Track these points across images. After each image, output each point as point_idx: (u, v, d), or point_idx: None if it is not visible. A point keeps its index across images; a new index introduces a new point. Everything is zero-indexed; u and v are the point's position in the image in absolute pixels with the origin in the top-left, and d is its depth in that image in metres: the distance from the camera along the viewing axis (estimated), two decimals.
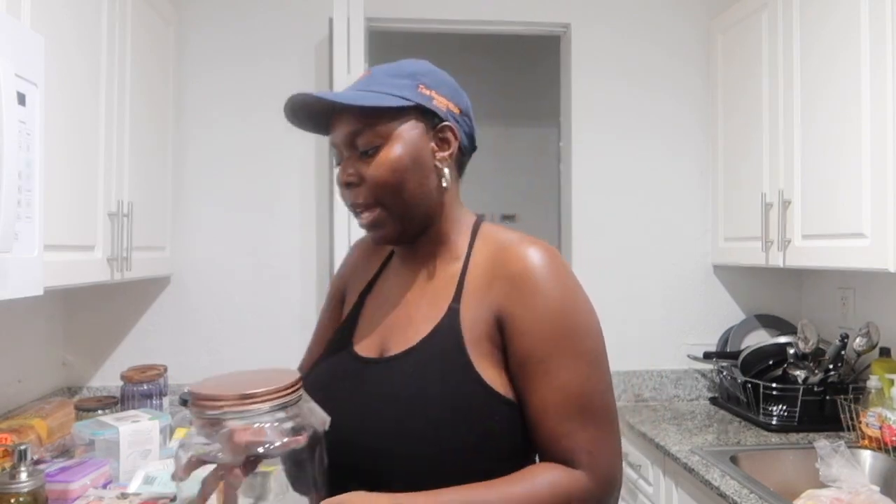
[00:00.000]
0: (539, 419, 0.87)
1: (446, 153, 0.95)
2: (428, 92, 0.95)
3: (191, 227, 2.52)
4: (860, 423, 1.95)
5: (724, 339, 2.63)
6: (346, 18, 2.23)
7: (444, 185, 0.95)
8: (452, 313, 0.91)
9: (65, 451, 1.86)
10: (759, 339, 2.54)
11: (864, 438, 1.94)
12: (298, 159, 2.56)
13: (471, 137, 1.00)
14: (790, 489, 1.74)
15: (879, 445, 1.87)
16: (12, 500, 1.34)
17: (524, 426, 0.88)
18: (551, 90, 3.01)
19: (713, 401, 2.60)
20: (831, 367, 2.15)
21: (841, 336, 2.14)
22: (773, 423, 2.18)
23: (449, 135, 0.95)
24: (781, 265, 2.14)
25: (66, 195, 1.60)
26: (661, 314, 2.66)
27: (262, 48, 2.56)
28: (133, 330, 2.50)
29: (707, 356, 2.51)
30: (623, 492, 2.48)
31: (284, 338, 2.53)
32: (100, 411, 1.98)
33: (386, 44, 2.69)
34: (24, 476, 1.36)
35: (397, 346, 0.92)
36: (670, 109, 2.69)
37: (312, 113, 0.95)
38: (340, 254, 2.20)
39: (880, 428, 1.86)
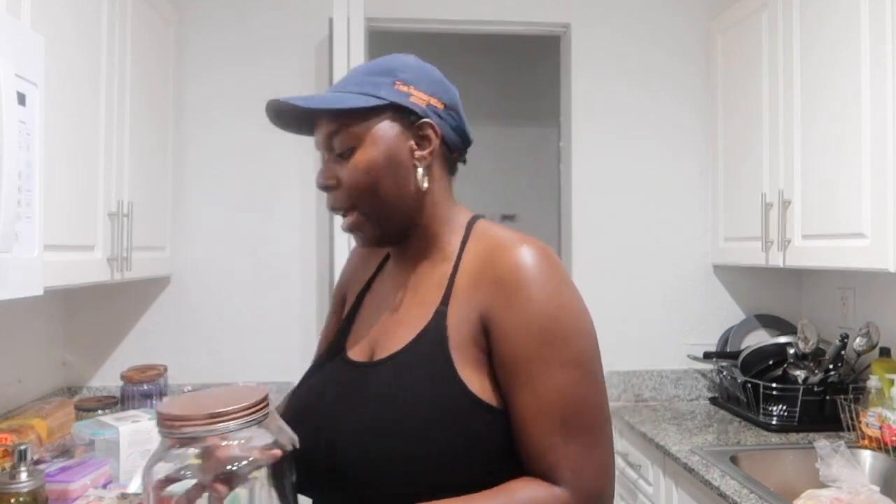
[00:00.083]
0: (521, 429, 0.83)
1: (425, 151, 0.92)
2: (406, 88, 0.91)
3: (191, 227, 2.52)
4: (860, 423, 1.95)
5: (724, 339, 2.63)
6: (346, 18, 2.23)
7: (424, 185, 0.91)
8: (439, 316, 0.88)
9: (65, 451, 1.86)
10: (759, 339, 2.54)
11: (864, 438, 1.94)
12: (298, 159, 2.56)
13: (459, 131, 0.96)
14: (790, 489, 1.74)
15: (879, 445, 1.87)
16: (12, 500, 1.34)
17: (510, 434, 0.85)
18: (551, 90, 3.01)
19: (713, 401, 2.60)
20: (831, 367, 2.15)
21: (841, 336, 2.14)
22: (773, 423, 2.18)
23: (429, 132, 0.91)
24: (781, 265, 2.14)
25: (66, 195, 1.60)
26: (661, 314, 2.66)
27: (262, 48, 2.56)
28: (133, 330, 2.50)
29: (707, 356, 2.51)
30: (623, 492, 2.48)
31: (284, 338, 2.53)
32: (100, 411, 1.98)
33: (386, 44, 2.69)
34: (24, 476, 1.36)
35: (385, 350, 0.90)
36: (670, 109, 2.69)
37: (295, 116, 0.93)
38: (340, 254, 2.20)
39: (880, 428, 1.86)
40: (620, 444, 2.52)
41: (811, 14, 2.03)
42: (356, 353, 0.94)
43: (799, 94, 2.08)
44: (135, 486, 1.59)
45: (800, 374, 2.18)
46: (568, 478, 0.82)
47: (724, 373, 2.46)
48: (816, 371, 2.17)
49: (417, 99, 0.92)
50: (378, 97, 0.90)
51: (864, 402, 1.99)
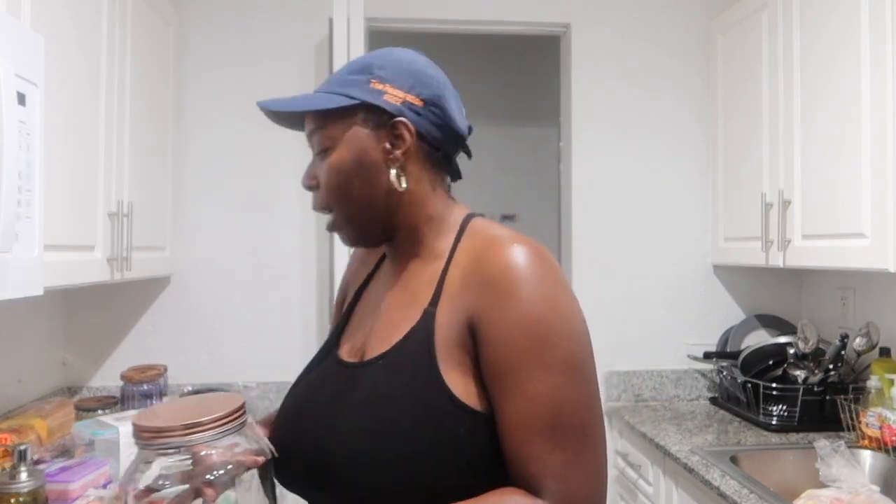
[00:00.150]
0: (506, 436, 0.80)
1: (399, 151, 0.88)
2: (381, 86, 0.89)
3: (191, 227, 2.52)
4: (860, 423, 1.95)
5: (724, 339, 2.63)
6: (346, 18, 2.23)
7: (402, 185, 0.88)
8: (427, 317, 0.85)
9: (65, 451, 1.86)
10: (759, 339, 2.54)
11: (864, 438, 1.94)
12: (298, 159, 2.56)
13: (444, 128, 0.90)
14: (790, 489, 1.74)
15: (879, 445, 1.87)
16: (12, 500, 1.34)
17: (496, 440, 0.81)
18: (551, 90, 3.01)
19: (713, 401, 2.60)
20: (831, 367, 2.15)
21: (841, 336, 2.14)
22: (773, 423, 2.18)
23: (402, 131, 0.88)
24: (781, 265, 2.14)
25: (66, 195, 1.60)
26: (661, 314, 2.66)
27: (262, 48, 2.56)
28: (133, 330, 2.50)
29: (707, 356, 2.51)
30: (623, 492, 2.48)
31: (284, 338, 2.53)
32: (100, 411, 1.98)
33: (386, 44, 2.67)
34: (24, 476, 1.36)
35: (375, 350, 0.88)
36: (670, 109, 2.69)
37: (290, 114, 0.93)
38: (340, 254, 2.20)
39: (880, 428, 1.86)
40: (620, 443, 2.52)
41: (811, 14, 2.03)
42: (348, 352, 0.94)
43: (799, 94, 2.08)
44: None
45: (800, 374, 2.18)
46: (553, 488, 0.78)
47: (724, 373, 2.46)
48: (816, 371, 2.17)
49: (392, 97, 0.88)
50: (350, 97, 0.88)
51: (864, 402, 1.99)
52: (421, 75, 0.90)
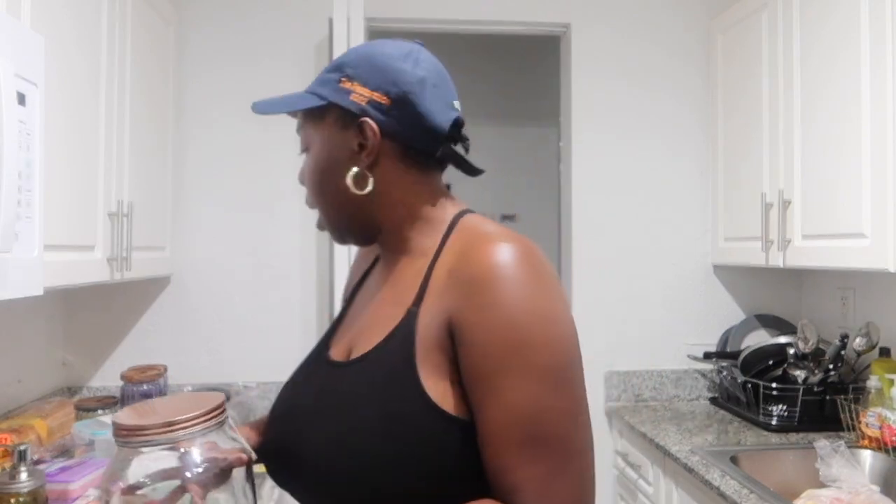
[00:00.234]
0: (484, 445, 0.76)
1: (363, 153, 0.86)
2: (349, 85, 0.87)
3: (191, 227, 2.52)
4: (860, 423, 1.95)
5: (724, 339, 2.63)
6: (345, 18, 2.23)
7: (368, 188, 0.87)
8: (410, 317, 0.82)
9: (65, 451, 1.86)
10: (759, 339, 2.54)
11: (864, 438, 1.94)
12: (298, 159, 2.54)
13: (416, 126, 0.86)
14: (790, 489, 1.74)
15: (879, 445, 1.87)
16: (12, 500, 1.34)
17: (475, 447, 0.78)
18: (551, 90, 3.01)
19: (713, 401, 2.60)
20: (831, 367, 2.15)
21: (841, 336, 2.14)
22: (773, 423, 2.18)
23: (367, 131, 0.86)
24: (781, 265, 2.14)
25: (66, 195, 1.60)
26: (661, 314, 2.66)
27: (262, 48, 2.56)
28: (133, 330, 2.50)
29: (707, 356, 2.51)
30: (623, 492, 2.48)
31: (284, 338, 2.53)
32: (100, 411, 1.98)
33: None
34: (24, 476, 1.36)
35: (359, 350, 0.87)
36: (670, 109, 2.69)
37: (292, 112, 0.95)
38: (340, 254, 2.20)
39: (880, 428, 1.86)
40: (620, 443, 2.52)
41: (811, 14, 2.03)
42: (337, 352, 0.93)
43: (799, 94, 2.08)
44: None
45: (800, 374, 2.18)
46: (530, 502, 0.74)
47: (724, 373, 2.46)
48: (816, 371, 2.17)
49: (357, 96, 0.86)
50: (321, 97, 0.88)
51: (864, 402, 1.99)
52: (390, 72, 0.86)
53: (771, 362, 2.36)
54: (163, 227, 2.33)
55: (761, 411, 2.22)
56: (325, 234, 2.56)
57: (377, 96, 0.86)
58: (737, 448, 1.99)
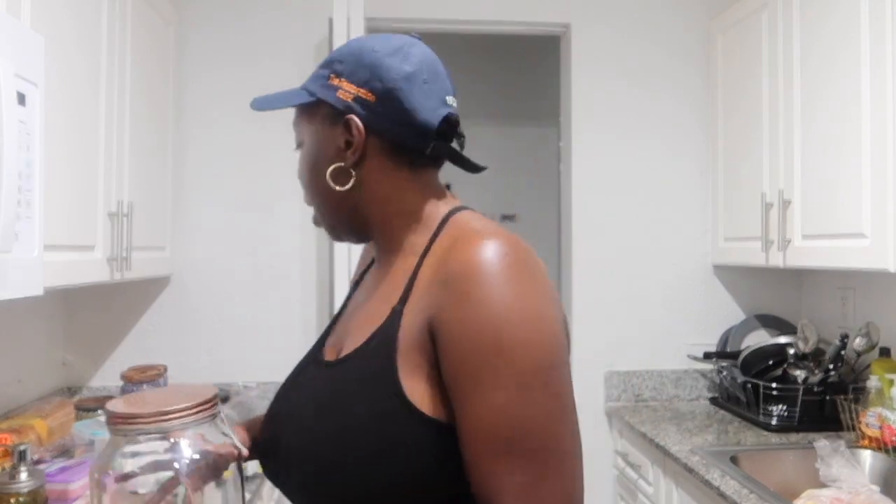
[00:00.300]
0: (464, 451, 0.73)
1: (349, 150, 0.86)
2: (337, 81, 0.86)
3: (191, 227, 2.52)
4: (860, 423, 1.95)
5: (724, 339, 2.63)
6: (346, 18, 2.23)
7: (345, 185, 0.86)
8: (394, 316, 0.80)
9: (65, 451, 1.86)
10: (759, 339, 2.54)
11: (864, 438, 1.94)
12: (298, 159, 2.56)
13: (401, 122, 0.84)
14: (790, 489, 1.74)
15: (879, 445, 1.87)
16: (12, 500, 1.34)
17: (456, 451, 0.75)
18: (551, 90, 3.01)
19: (713, 401, 2.60)
20: (831, 367, 2.15)
21: (841, 336, 2.14)
22: (773, 423, 2.18)
23: (352, 128, 0.85)
24: (781, 265, 2.14)
25: (66, 195, 1.60)
26: (661, 314, 2.66)
27: (262, 48, 2.56)
28: (133, 330, 2.50)
29: (707, 356, 2.51)
30: (623, 492, 2.48)
31: (284, 338, 2.53)
32: (100, 411, 1.98)
33: None
34: (24, 476, 1.36)
35: (347, 349, 0.85)
36: (670, 109, 2.69)
37: None
38: (340, 254, 2.20)
39: (880, 428, 1.86)
40: (620, 443, 2.52)
41: (811, 14, 2.03)
42: (329, 351, 0.92)
43: (799, 94, 2.08)
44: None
45: (800, 374, 2.18)
46: None
47: (724, 373, 2.46)
48: (816, 371, 2.17)
49: (344, 92, 0.85)
50: (311, 93, 0.88)
51: (864, 402, 1.99)
52: (377, 67, 0.84)
53: (771, 362, 2.36)
54: (163, 227, 2.33)
55: (761, 411, 2.22)
56: (325, 234, 2.56)
57: (363, 93, 0.85)
58: (737, 448, 1.99)
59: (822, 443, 1.70)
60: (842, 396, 2.06)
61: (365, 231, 0.92)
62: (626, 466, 2.42)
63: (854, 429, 1.99)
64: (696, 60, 2.69)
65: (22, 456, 1.38)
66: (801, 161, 2.07)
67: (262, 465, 0.92)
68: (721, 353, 2.54)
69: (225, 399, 2.30)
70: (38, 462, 1.67)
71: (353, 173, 0.86)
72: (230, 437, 0.85)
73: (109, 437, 0.82)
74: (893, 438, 1.83)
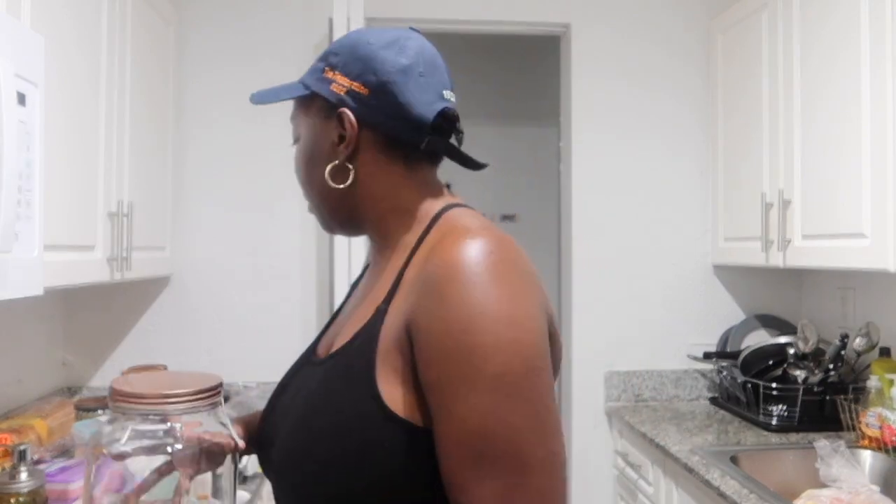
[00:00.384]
0: (439, 458, 0.71)
1: (342, 144, 0.84)
2: (331, 74, 0.85)
3: (191, 227, 2.52)
4: (860, 423, 1.95)
5: (724, 339, 2.63)
6: (346, 18, 2.23)
7: (342, 181, 0.84)
8: (378, 315, 0.78)
9: (65, 451, 1.86)
10: (759, 339, 2.54)
11: (864, 438, 1.94)
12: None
13: (395, 116, 0.82)
14: (790, 489, 1.74)
15: (879, 445, 1.87)
16: (12, 500, 1.34)
17: (431, 456, 0.72)
18: (551, 90, 3.01)
19: (713, 401, 2.60)
20: (831, 367, 2.15)
21: (841, 336, 2.14)
22: (773, 423, 2.18)
23: (345, 122, 0.83)
24: (781, 265, 2.14)
25: (66, 195, 1.60)
26: (661, 314, 2.66)
27: (262, 48, 2.56)
28: (133, 330, 2.50)
29: (707, 356, 2.51)
30: (623, 492, 2.48)
31: (284, 338, 2.53)
32: (100, 411, 1.98)
33: None
34: (24, 476, 1.36)
35: (335, 348, 0.84)
36: (670, 109, 2.69)
37: None
38: (340, 254, 2.21)
39: (880, 428, 1.86)
40: (620, 443, 2.52)
41: (811, 14, 2.03)
42: (321, 349, 0.92)
43: (799, 94, 2.08)
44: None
45: (800, 374, 2.18)
46: None
47: (724, 373, 2.46)
48: (816, 371, 2.17)
49: (338, 86, 0.84)
50: (306, 86, 0.87)
51: (864, 402, 1.99)
52: (371, 60, 0.83)
53: (771, 362, 2.36)
54: (163, 227, 2.33)
55: (761, 411, 2.22)
56: (325, 234, 2.57)
57: (356, 86, 0.83)
58: (737, 448, 1.99)
59: (822, 443, 1.70)
60: (842, 396, 2.06)
61: (358, 226, 0.91)
62: (626, 466, 2.42)
63: (854, 429, 1.99)
64: (696, 60, 2.69)
65: (22, 456, 1.38)
66: (801, 161, 2.07)
67: (259, 461, 0.93)
68: (721, 353, 2.54)
69: (225, 399, 2.30)
70: (38, 462, 1.67)
71: (350, 168, 0.85)
72: (228, 428, 0.85)
73: (110, 414, 0.82)
74: (893, 438, 1.83)
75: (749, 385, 2.29)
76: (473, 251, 0.72)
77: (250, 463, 1.86)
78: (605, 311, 2.64)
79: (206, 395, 0.82)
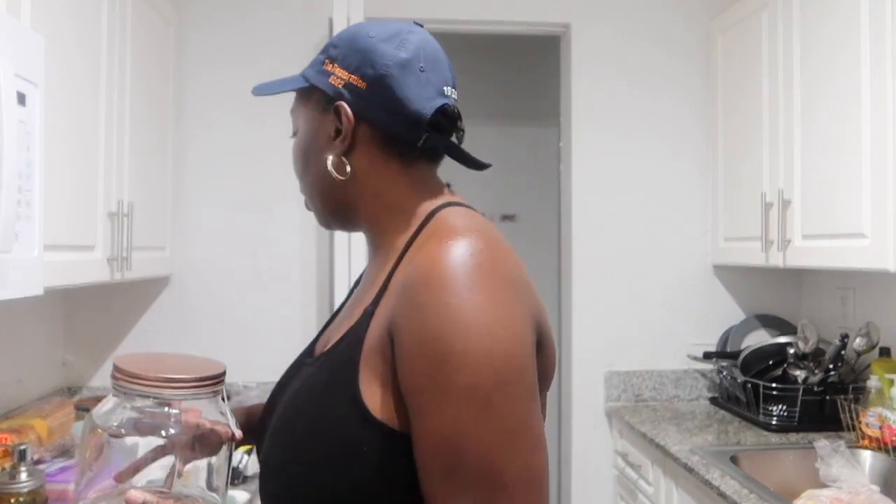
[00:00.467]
0: (417, 467, 0.69)
1: (338, 139, 0.83)
2: (330, 67, 0.83)
3: (191, 227, 2.52)
4: (860, 423, 1.95)
5: (724, 339, 2.63)
6: (346, 18, 2.23)
7: (343, 173, 0.82)
8: (365, 317, 0.77)
9: (65, 451, 1.86)
10: (759, 339, 2.54)
11: (864, 438, 1.94)
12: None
13: (392, 111, 0.80)
14: (790, 489, 1.74)
15: (879, 445, 1.87)
16: (12, 500, 1.34)
17: (410, 461, 0.70)
18: (551, 90, 3.01)
19: (713, 401, 2.60)
20: (831, 367, 2.15)
21: (841, 336, 2.14)
22: (773, 423, 2.18)
23: (342, 115, 0.82)
24: (781, 265, 2.14)
25: (66, 195, 1.60)
26: (661, 314, 2.66)
27: (262, 48, 2.56)
28: (133, 330, 2.49)
29: (707, 356, 2.51)
30: (623, 492, 2.48)
31: (284, 338, 2.53)
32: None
33: None
34: (24, 476, 1.36)
35: (327, 348, 0.84)
36: (670, 109, 2.69)
37: None
38: (340, 254, 2.20)
39: (880, 428, 1.86)
40: (620, 443, 2.52)
41: (811, 14, 2.03)
42: (318, 348, 0.91)
43: (799, 94, 2.08)
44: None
45: (800, 374, 2.18)
46: None
47: (724, 373, 2.46)
48: (816, 371, 2.17)
49: (336, 78, 0.82)
50: (306, 78, 0.86)
51: (864, 402, 1.99)
52: (370, 53, 0.81)
53: (771, 362, 2.36)
54: (163, 227, 2.33)
55: (761, 411, 2.22)
56: (325, 235, 2.57)
57: (354, 79, 0.81)
58: (737, 448, 1.99)
59: (822, 443, 1.70)
60: (842, 396, 2.06)
61: (352, 222, 0.90)
62: (626, 466, 2.42)
63: (854, 429, 1.99)
64: (696, 60, 2.69)
65: (22, 456, 1.38)
66: (801, 161, 2.07)
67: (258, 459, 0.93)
68: (721, 353, 2.54)
69: (228, 397, 2.30)
70: (38, 462, 1.67)
71: (346, 163, 0.83)
72: (226, 418, 0.84)
73: (112, 391, 0.81)
74: (893, 438, 1.83)
75: (749, 385, 2.29)
76: (454, 255, 0.69)
77: (251, 463, 1.86)
78: (605, 311, 2.64)
79: (209, 382, 0.81)
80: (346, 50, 0.83)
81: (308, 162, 0.88)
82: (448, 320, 0.66)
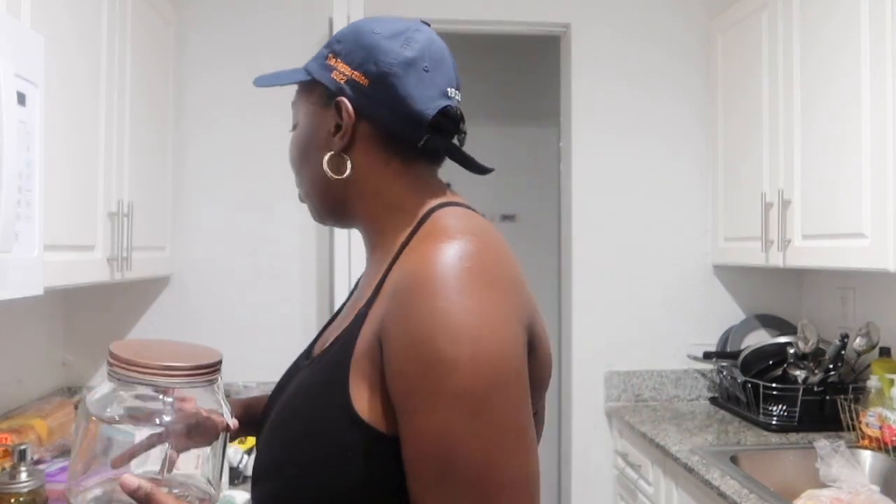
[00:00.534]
0: (406, 473, 0.68)
1: (338, 135, 0.81)
2: (333, 62, 0.82)
3: (191, 227, 2.52)
4: (860, 423, 1.95)
5: (724, 339, 2.63)
6: (346, 18, 2.23)
7: (340, 171, 0.81)
8: (358, 319, 0.76)
9: (65, 451, 1.86)
10: (759, 339, 2.54)
11: (864, 438, 1.94)
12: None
13: (394, 109, 0.79)
14: (790, 489, 1.74)
15: (879, 445, 1.87)
16: (12, 500, 1.34)
17: (399, 466, 0.69)
18: (551, 90, 3.01)
19: (713, 401, 2.60)
20: (831, 367, 2.15)
21: (841, 336, 2.14)
22: (773, 423, 2.18)
23: (342, 111, 0.80)
24: (781, 265, 2.14)
25: (66, 195, 1.60)
26: (661, 314, 2.66)
27: (262, 48, 2.56)
28: (133, 330, 2.49)
29: (707, 356, 2.51)
30: (623, 492, 2.48)
31: (284, 338, 2.53)
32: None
33: None
34: (24, 476, 1.36)
35: (323, 349, 0.83)
36: (670, 109, 2.69)
37: None
38: (340, 254, 2.20)
39: (880, 428, 1.86)
40: (620, 443, 2.52)
41: (811, 14, 2.03)
42: (317, 349, 0.90)
43: (799, 94, 2.08)
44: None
45: (800, 374, 2.18)
46: None
47: (724, 373, 2.46)
48: (816, 371, 2.17)
49: (338, 74, 0.81)
50: (308, 72, 0.85)
51: (864, 402, 1.99)
52: (374, 50, 0.80)
53: (771, 362, 2.36)
54: (163, 227, 2.33)
55: (761, 411, 2.22)
56: (325, 235, 2.57)
57: (356, 75, 0.80)
58: (737, 448, 1.99)
59: (822, 443, 1.70)
60: (842, 396, 2.06)
61: (348, 220, 0.88)
62: (626, 466, 2.42)
63: (854, 429, 1.99)
64: (696, 60, 2.69)
65: (22, 456, 1.38)
66: (801, 161, 2.07)
67: None
68: (721, 353, 2.54)
69: (227, 396, 2.30)
70: (38, 462, 1.67)
71: (346, 159, 0.82)
72: (222, 407, 0.84)
73: (107, 378, 0.81)
74: (893, 438, 1.83)
75: (749, 385, 2.29)
76: (443, 258, 0.68)
77: (250, 462, 1.86)
78: (605, 311, 2.64)
79: (205, 370, 0.80)
80: (351, 45, 0.82)
81: (307, 156, 0.86)
82: (437, 324, 0.65)
